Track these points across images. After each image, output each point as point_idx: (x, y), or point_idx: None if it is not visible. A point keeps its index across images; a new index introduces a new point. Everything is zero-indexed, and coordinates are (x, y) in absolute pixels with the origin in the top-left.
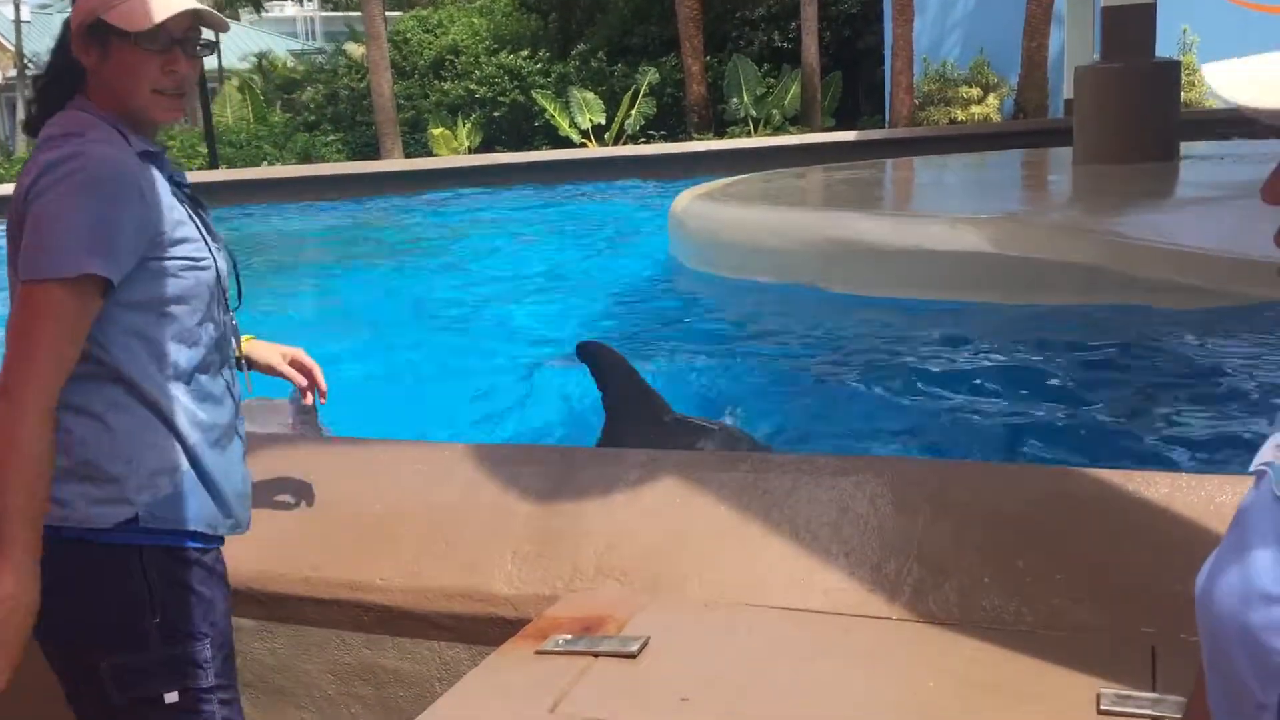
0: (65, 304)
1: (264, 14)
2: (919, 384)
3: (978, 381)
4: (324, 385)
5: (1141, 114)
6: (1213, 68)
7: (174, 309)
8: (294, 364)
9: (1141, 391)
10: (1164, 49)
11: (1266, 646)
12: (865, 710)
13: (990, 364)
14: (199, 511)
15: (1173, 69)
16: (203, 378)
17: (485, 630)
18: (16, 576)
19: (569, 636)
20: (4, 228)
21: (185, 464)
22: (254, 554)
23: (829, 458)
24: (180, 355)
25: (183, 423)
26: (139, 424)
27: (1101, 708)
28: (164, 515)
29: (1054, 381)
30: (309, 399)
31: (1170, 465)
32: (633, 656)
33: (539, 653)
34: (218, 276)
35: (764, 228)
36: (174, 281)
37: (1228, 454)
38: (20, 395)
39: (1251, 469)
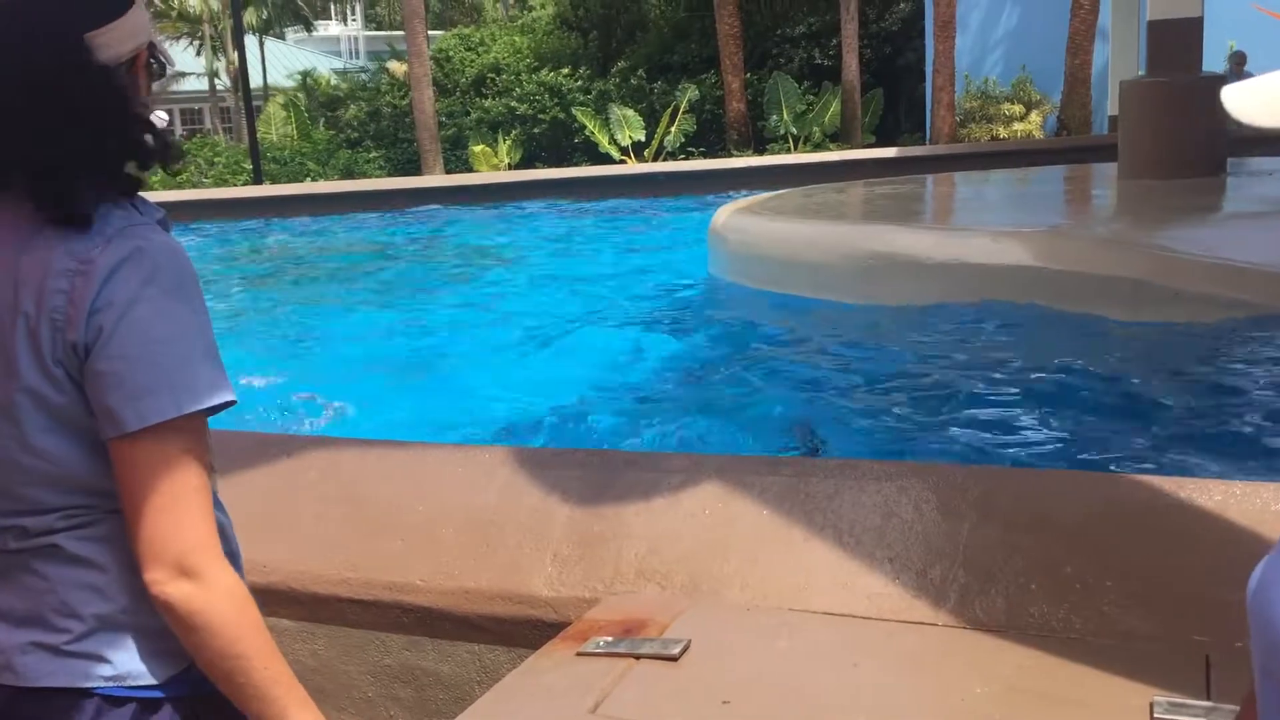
0: (199, 442)
1: (311, 33)
2: (960, 393)
3: (1022, 393)
4: None
5: (1188, 129)
6: (1230, 90)
7: None
8: None
9: (1192, 402)
10: (1210, 64)
11: None
12: (910, 716)
13: (1035, 375)
14: None
15: (1219, 83)
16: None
17: (525, 633)
18: None
19: (610, 638)
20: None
21: None
22: (295, 554)
23: (872, 462)
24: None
25: (221, 537)
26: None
27: (1155, 716)
28: None
29: (1102, 393)
30: None
31: (1223, 475)
32: (674, 659)
33: (580, 654)
34: None
35: (804, 242)
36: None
37: None
38: (207, 566)
39: None
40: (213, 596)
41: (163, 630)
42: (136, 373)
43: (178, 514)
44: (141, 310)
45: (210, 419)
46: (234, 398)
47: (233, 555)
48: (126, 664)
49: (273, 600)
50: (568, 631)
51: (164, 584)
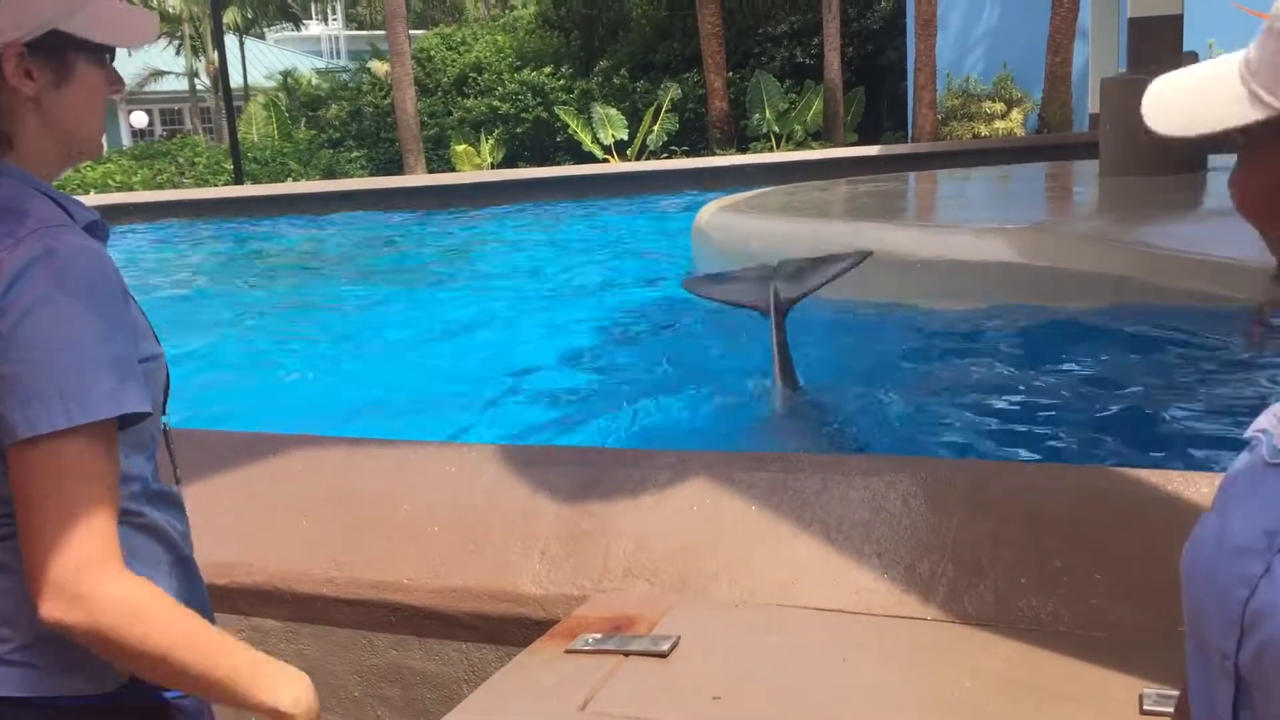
0: (100, 454)
1: (294, 31)
2: (946, 391)
3: (1008, 388)
4: None
5: None
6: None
7: (145, 423)
8: None
9: (1174, 396)
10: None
11: (1231, 596)
12: (901, 710)
13: (1020, 371)
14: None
15: None
16: (161, 486)
17: (513, 631)
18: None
19: (598, 636)
20: None
21: (167, 587)
22: (280, 554)
23: (860, 458)
24: (144, 468)
25: (162, 544)
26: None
27: (1145, 708)
28: None
29: (1086, 387)
30: None
31: (1208, 467)
32: (663, 656)
33: (568, 651)
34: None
35: (788, 239)
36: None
37: None
38: (90, 586)
39: (1246, 435)
40: (99, 616)
41: None
42: (31, 378)
43: (63, 532)
44: (44, 313)
45: (196, 422)
46: (144, 408)
47: (182, 560)
48: (72, 673)
49: (258, 600)
50: (556, 629)
51: (49, 610)
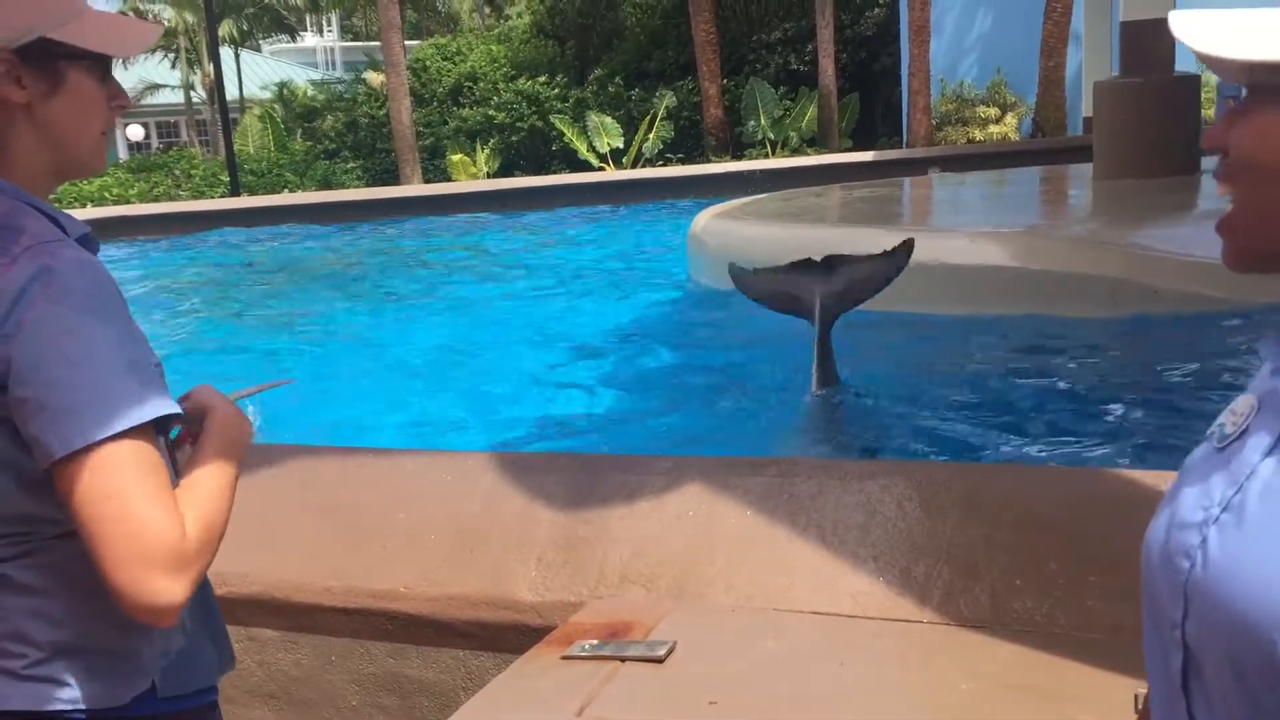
0: (141, 456)
1: (290, 43)
2: (941, 395)
3: (1004, 390)
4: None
5: (1162, 128)
6: (1177, 16)
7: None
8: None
9: (1171, 397)
10: (1182, 64)
11: (1176, 567)
12: (897, 714)
13: (1016, 373)
14: (210, 660)
15: (1192, 83)
16: None
17: (510, 638)
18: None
19: (595, 642)
20: None
21: (190, 602)
22: (277, 564)
23: (855, 462)
24: None
25: None
26: None
27: (1140, 707)
28: (182, 678)
29: (1081, 389)
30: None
31: None
32: (660, 661)
33: (565, 658)
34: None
35: (783, 245)
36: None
37: None
38: (180, 558)
39: (1209, 430)
40: (199, 569)
41: (122, 652)
42: (56, 397)
43: (137, 522)
44: (53, 331)
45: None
46: (174, 410)
47: None
48: (86, 687)
49: (255, 610)
50: (553, 635)
51: (153, 596)
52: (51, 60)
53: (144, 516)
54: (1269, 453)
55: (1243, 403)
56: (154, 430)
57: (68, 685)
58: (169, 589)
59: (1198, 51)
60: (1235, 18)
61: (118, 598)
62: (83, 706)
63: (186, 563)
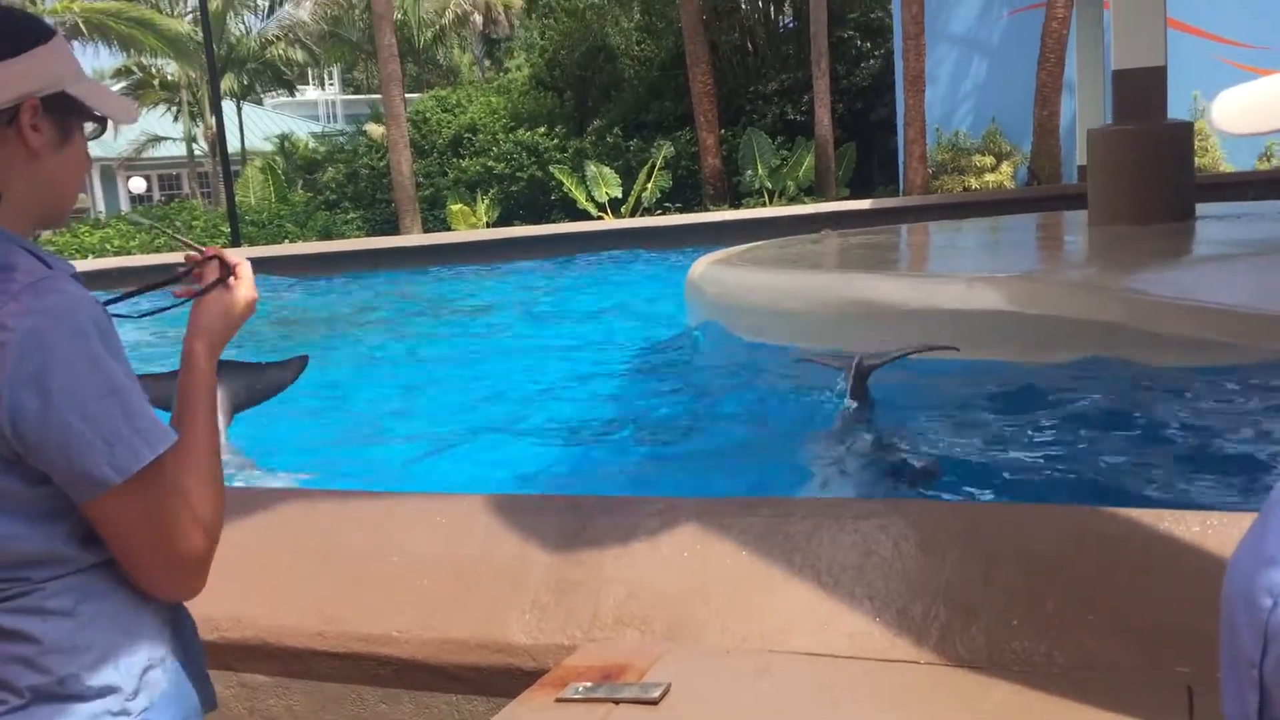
0: (167, 470)
1: (293, 96)
2: (937, 438)
3: (1000, 432)
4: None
5: (1155, 174)
6: (1220, 108)
7: None
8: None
9: (1169, 438)
10: (1174, 111)
11: (1258, 604)
12: None
13: (1011, 416)
14: (191, 697)
15: (1185, 129)
16: None
17: (504, 682)
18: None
19: (589, 684)
20: None
21: (169, 643)
22: (270, 608)
23: (851, 501)
24: None
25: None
26: (114, 610)
27: None
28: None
29: (1079, 431)
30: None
31: (1200, 507)
32: (654, 703)
33: (559, 700)
34: None
35: (781, 291)
36: None
37: (1257, 498)
38: (206, 556)
39: None
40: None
41: (101, 693)
42: (96, 429)
43: (175, 540)
44: (64, 371)
45: None
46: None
47: (176, 611)
48: None
49: (247, 655)
50: (546, 678)
51: (187, 590)
52: (66, 115)
53: (189, 542)
54: None
55: None
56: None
57: None
58: (202, 582)
59: (1244, 135)
60: (1258, 93)
61: (155, 596)
62: None
63: (211, 555)
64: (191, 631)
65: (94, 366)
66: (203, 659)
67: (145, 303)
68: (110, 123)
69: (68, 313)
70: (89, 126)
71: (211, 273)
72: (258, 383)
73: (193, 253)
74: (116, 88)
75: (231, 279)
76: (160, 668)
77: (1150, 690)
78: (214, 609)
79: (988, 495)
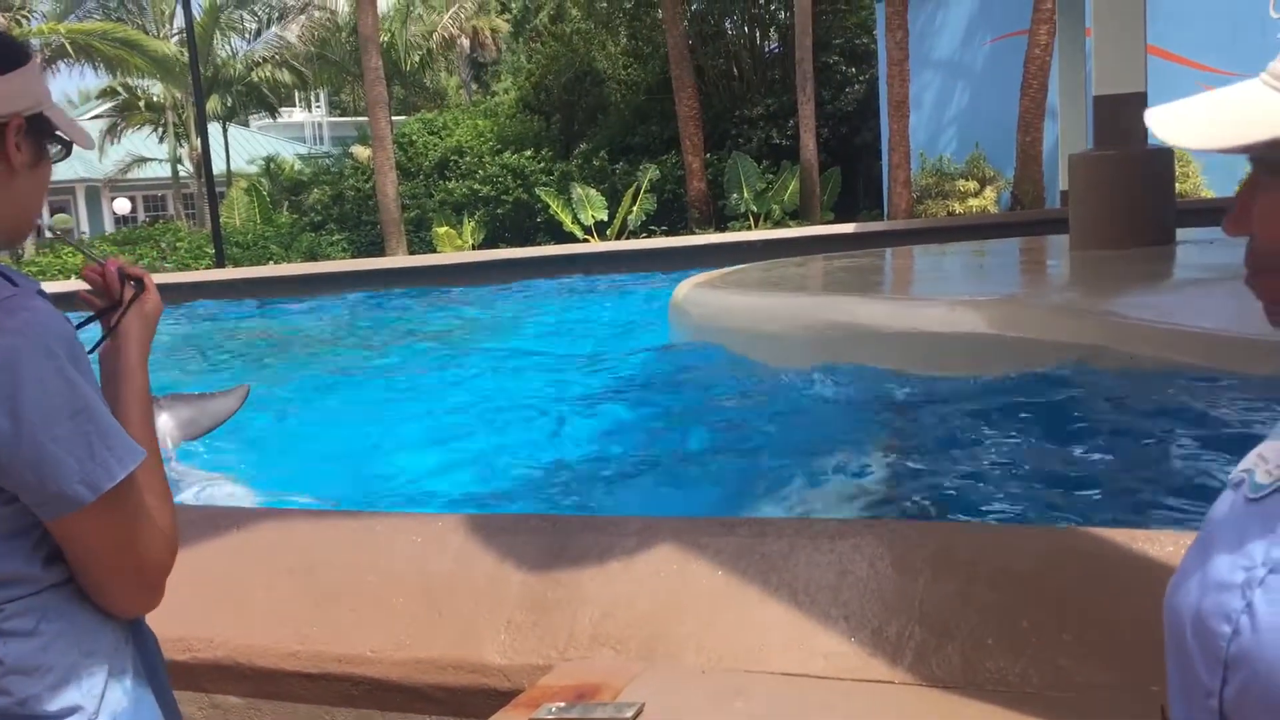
0: (137, 490)
1: (276, 119)
2: (916, 460)
3: (978, 453)
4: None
5: (1136, 199)
6: (1153, 115)
7: None
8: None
9: (1145, 459)
10: (1156, 141)
11: (1213, 631)
12: None
13: (990, 437)
14: (155, 716)
15: (1165, 155)
16: None
17: (478, 702)
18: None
19: (563, 704)
20: None
21: (130, 661)
22: (243, 628)
23: (827, 521)
24: None
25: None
26: (75, 629)
27: None
28: None
29: (1056, 454)
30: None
31: (1173, 526)
32: None
33: None
34: None
35: (764, 313)
36: None
37: None
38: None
39: (1231, 476)
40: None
41: (63, 714)
42: (67, 448)
43: (142, 565)
44: (37, 389)
45: None
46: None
47: (138, 628)
48: None
49: (219, 676)
50: (520, 699)
51: (145, 607)
52: (40, 136)
53: (152, 556)
54: None
55: (1275, 451)
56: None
57: None
58: (160, 596)
59: (1185, 147)
60: (1212, 106)
61: (115, 613)
62: None
63: (171, 566)
64: (154, 649)
65: (64, 384)
66: (166, 676)
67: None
68: (79, 145)
69: (37, 331)
70: (54, 149)
71: (117, 284)
72: (202, 414)
73: (93, 264)
74: (102, 109)
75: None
76: (122, 687)
77: (1125, 709)
78: (186, 629)
79: (964, 516)
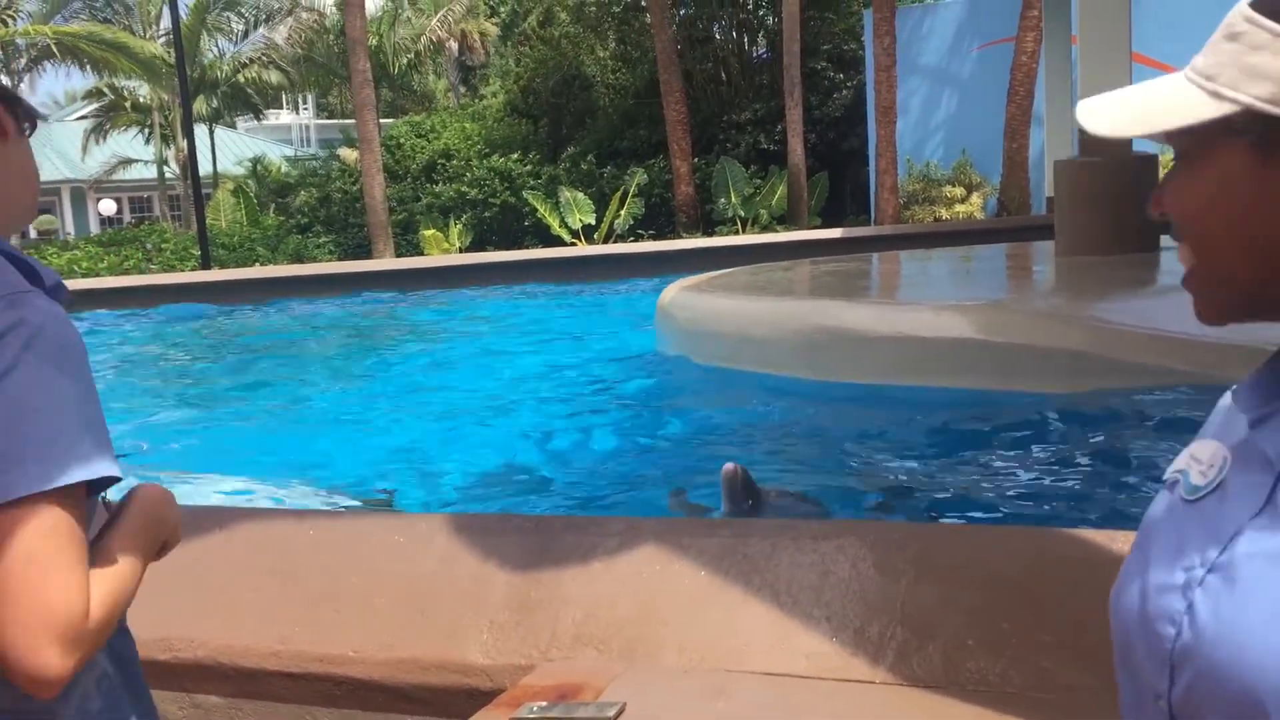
0: (73, 517)
1: (261, 120)
2: (901, 464)
3: (963, 458)
4: None
5: (1121, 206)
6: (1083, 107)
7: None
8: None
9: (1126, 463)
10: (1140, 143)
11: (1159, 633)
12: None
13: (975, 442)
14: (128, 716)
15: (1151, 162)
16: None
17: (460, 702)
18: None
19: (544, 704)
20: None
21: (103, 662)
22: (224, 628)
23: (810, 522)
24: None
25: None
26: None
27: None
28: None
29: (1039, 458)
30: None
31: None
32: None
33: None
34: None
35: (751, 317)
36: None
37: None
38: (79, 632)
39: (1166, 476)
40: (94, 643)
41: (35, 713)
42: (8, 443)
43: (44, 585)
44: (19, 380)
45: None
46: (116, 473)
47: (122, 633)
48: None
49: (200, 676)
50: (501, 698)
51: (44, 666)
52: (15, 105)
53: (58, 587)
54: (1258, 512)
55: (1207, 451)
56: (86, 491)
57: None
58: (60, 664)
59: (1099, 135)
60: (1128, 98)
61: (3, 659)
62: None
63: (82, 641)
64: (130, 648)
65: (33, 381)
66: (141, 675)
67: None
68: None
69: (34, 329)
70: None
71: None
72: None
73: None
74: (88, 110)
75: None
76: (97, 688)
77: (1105, 709)
78: (168, 629)
79: (948, 519)
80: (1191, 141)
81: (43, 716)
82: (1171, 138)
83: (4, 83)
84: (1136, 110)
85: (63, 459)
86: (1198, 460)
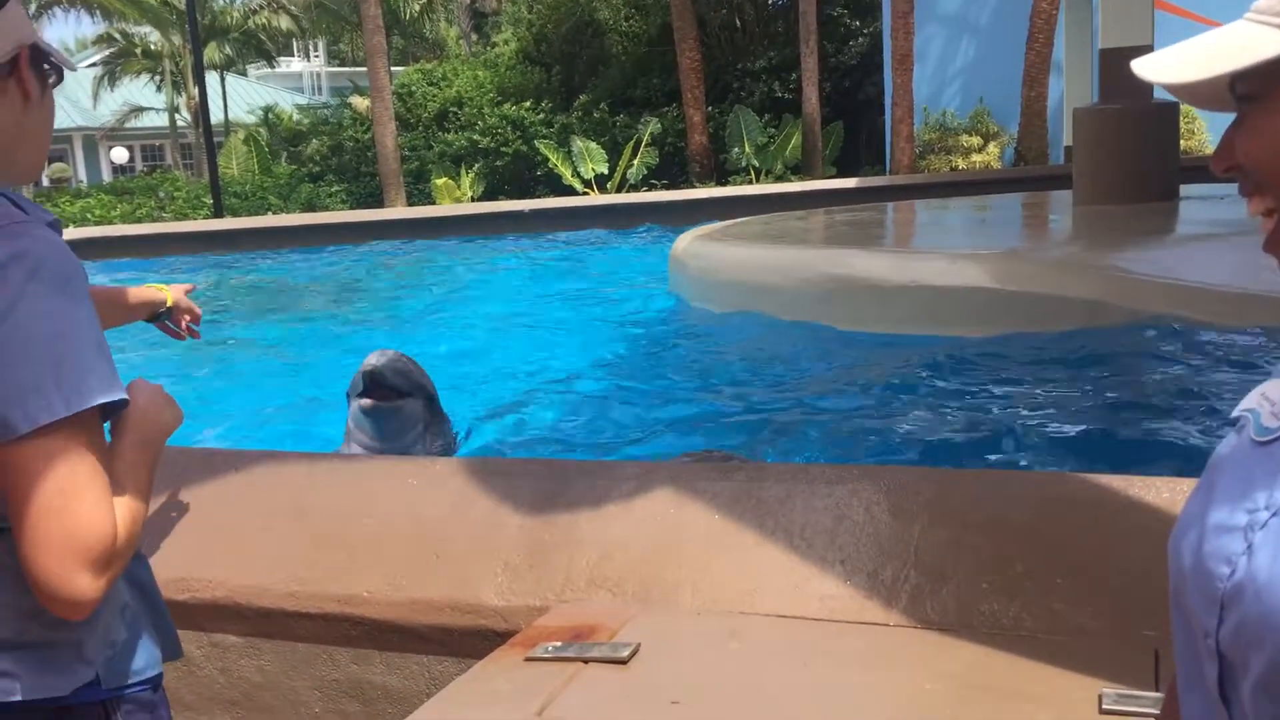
0: (94, 439)
1: (274, 68)
2: (916, 411)
3: (978, 404)
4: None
5: (1141, 155)
6: (1141, 63)
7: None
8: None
9: (1141, 408)
10: (1161, 90)
11: (1212, 572)
12: (860, 713)
13: (990, 387)
14: (152, 649)
15: (1171, 110)
16: None
17: (475, 643)
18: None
19: (559, 643)
20: None
21: (125, 591)
22: (241, 569)
23: (824, 466)
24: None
25: None
26: None
27: (1104, 707)
28: (126, 668)
29: (1054, 404)
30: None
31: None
32: (623, 662)
33: (528, 659)
34: None
35: (764, 266)
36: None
37: None
38: (109, 554)
39: (1234, 414)
40: (120, 566)
41: (62, 644)
42: (22, 373)
43: (74, 512)
44: (25, 308)
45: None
46: (126, 396)
47: (138, 560)
48: (25, 680)
49: (218, 616)
50: (516, 638)
51: (77, 589)
52: (40, 65)
53: (88, 513)
54: None
55: (1279, 391)
56: (99, 416)
57: (11, 678)
58: (92, 585)
59: (1168, 85)
60: (1191, 47)
61: (37, 586)
62: (19, 698)
63: (111, 562)
64: (148, 575)
65: (42, 310)
66: (163, 604)
67: None
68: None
69: (36, 258)
70: (51, 77)
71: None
72: None
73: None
74: (98, 56)
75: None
76: (119, 618)
77: (1117, 652)
78: (185, 569)
79: (962, 463)
80: (1262, 83)
81: (72, 649)
82: (1236, 83)
83: (38, 35)
84: (1201, 57)
85: (82, 385)
86: (1270, 401)
